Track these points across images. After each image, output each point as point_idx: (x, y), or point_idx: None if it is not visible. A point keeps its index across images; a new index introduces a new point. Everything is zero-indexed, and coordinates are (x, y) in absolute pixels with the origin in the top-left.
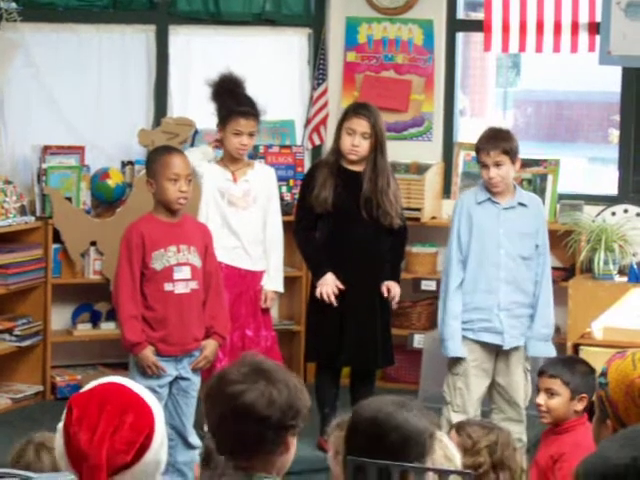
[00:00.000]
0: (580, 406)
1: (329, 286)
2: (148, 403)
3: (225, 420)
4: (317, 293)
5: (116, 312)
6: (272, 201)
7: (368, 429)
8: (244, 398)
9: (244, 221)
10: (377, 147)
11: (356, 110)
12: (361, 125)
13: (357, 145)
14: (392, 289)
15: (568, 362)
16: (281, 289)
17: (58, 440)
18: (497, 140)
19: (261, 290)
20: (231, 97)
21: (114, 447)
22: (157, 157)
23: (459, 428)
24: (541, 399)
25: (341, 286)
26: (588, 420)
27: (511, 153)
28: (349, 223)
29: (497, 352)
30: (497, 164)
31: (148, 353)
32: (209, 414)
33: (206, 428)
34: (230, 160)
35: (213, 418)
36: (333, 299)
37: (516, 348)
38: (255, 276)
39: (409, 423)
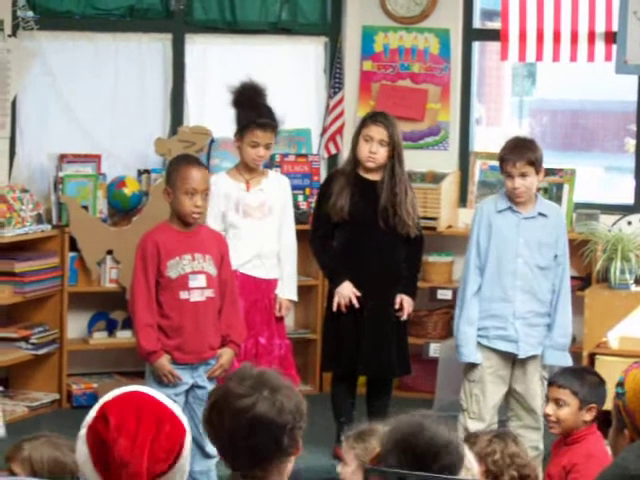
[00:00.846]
0: (589, 416)
1: (345, 298)
2: (176, 413)
3: (238, 435)
4: (334, 303)
5: (132, 321)
6: (286, 210)
7: (427, 452)
8: (255, 410)
9: (257, 231)
10: (395, 156)
11: (374, 118)
12: (379, 133)
13: (374, 152)
14: (404, 304)
15: (578, 372)
16: (295, 298)
17: (80, 447)
18: (523, 150)
19: (275, 298)
20: (250, 107)
21: (154, 455)
22: (177, 167)
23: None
24: (550, 409)
25: (358, 293)
26: (599, 430)
27: (536, 163)
28: (365, 232)
29: (514, 360)
30: (522, 175)
31: (164, 362)
32: (217, 432)
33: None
34: (245, 169)
35: (222, 435)
36: (355, 302)
37: (533, 356)
38: (270, 284)
39: (456, 440)
